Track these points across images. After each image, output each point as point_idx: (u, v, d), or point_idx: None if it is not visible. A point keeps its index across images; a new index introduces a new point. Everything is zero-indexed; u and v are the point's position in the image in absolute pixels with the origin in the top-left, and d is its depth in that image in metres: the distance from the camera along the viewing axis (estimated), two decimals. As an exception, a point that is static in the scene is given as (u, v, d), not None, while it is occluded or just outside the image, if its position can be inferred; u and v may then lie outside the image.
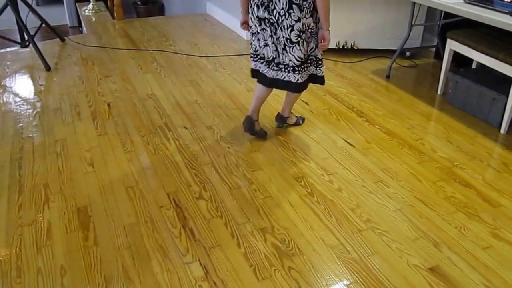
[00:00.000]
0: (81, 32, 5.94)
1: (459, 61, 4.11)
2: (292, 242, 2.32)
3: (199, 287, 2.05)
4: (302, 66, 2.91)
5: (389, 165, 2.96)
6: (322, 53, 2.98)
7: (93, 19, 6.32)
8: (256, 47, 3.01)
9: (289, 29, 2.76)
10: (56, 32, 5.23)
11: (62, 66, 4.56)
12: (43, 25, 4.98)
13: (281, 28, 2.78)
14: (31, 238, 2.33)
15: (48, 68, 4.45)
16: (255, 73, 3.11)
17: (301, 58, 2.87)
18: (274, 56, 2.92)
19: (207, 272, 2.13)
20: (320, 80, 3.07)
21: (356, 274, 2.13)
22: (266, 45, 2.92)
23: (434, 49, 4.85)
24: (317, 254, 2.24)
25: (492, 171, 2.92)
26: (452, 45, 3.74)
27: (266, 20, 2.82)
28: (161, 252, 2.24)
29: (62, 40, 5.32)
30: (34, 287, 2.05)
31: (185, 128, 3.38)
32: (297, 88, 2.98)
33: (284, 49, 2.85)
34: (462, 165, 2.96)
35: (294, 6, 2.69)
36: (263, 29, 2.87)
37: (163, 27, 5.94)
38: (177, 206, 2.57)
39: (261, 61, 3.02)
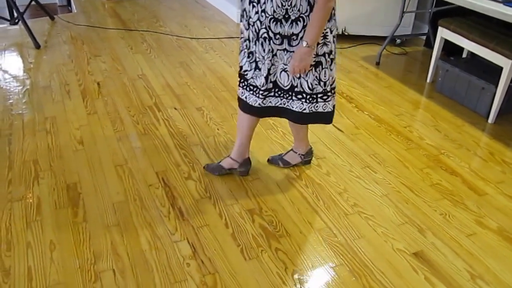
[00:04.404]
0: (70, 11, 5.86)
1: (449, 49, 4.14)
2: (280, 224, 2.35)
3: (187, 265, 2.07)
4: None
5: (377, 151, 2.99)
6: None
7: (83, -3, 6.25)
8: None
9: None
10: (46, 10, 5.17)
11: (52, 44, 4.52)
12: (33, 2, 4.92)
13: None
14: (21, 213, 2.34)
15: (37, 46, 4.40)
16: None
17: None
18: None
19: (195, 251, 2.15)
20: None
21: (341, 256, 2.17)
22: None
23: (424, 37, 4.87)
24: (304, 236, 2.27)
25: (479, 160, 2.96)
26: (443, 33, 3.76)
27: None
28: (149, 230, 2.26)
29: (52, 18, 5.25)
30: (24, 260, 2.07)
31: (175, 109, 3.38)
32: None
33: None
34: (449, 153, 3.00)
35: None
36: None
37: (153, 8, 5.90)
38: (166, 185, 2.58)
39: None
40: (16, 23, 4.76)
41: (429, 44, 4.58)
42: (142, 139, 2.99)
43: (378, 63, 4.35)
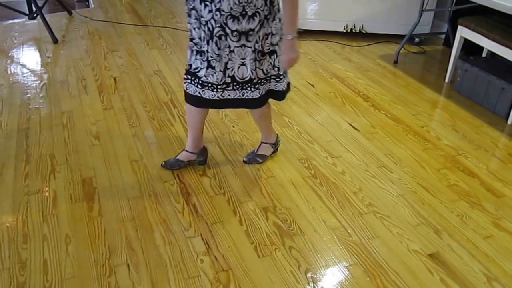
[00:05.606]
0: (87, 6, 5.90)
1: (468, 49, 4.09)
2: (294, 222, 2.34)
3: (201, 261, 2.07)
4: None
5: (393, 150, 2.97)
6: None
7: (101, -7, 6.29)
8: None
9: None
10: (64, 5, 5.20)
11: (69, 39, 4.55)
12: (51, -3, 4.97)
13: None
14: (37, 206, 2.36)
15: (55, 41, 4.43)
16: None
17: None
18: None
19: (209, 247, 2.15)
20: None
21: (356, 256, 2.15)
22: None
23: (443, 36, 4.82)
24: (318, 235, 2.26)
25: (497, 161, 2.92)
26: (463, 32, 3.71)
27: None
28: (164, 226, 2.26)
29: (69, 13, 5.29)
30: (40, 253, 2.09)
31: (191, 105, 3.38)
32: None
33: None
34: (467, 154, 2.96)
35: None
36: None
37: (170, 4, 5.91)
38: (181, 181, 2.59)
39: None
40: (35, 18, 4.79)
41: (448, 43, 4.53)
42: (158, 135, 3.00)
43: (395, 62, 4.31)
